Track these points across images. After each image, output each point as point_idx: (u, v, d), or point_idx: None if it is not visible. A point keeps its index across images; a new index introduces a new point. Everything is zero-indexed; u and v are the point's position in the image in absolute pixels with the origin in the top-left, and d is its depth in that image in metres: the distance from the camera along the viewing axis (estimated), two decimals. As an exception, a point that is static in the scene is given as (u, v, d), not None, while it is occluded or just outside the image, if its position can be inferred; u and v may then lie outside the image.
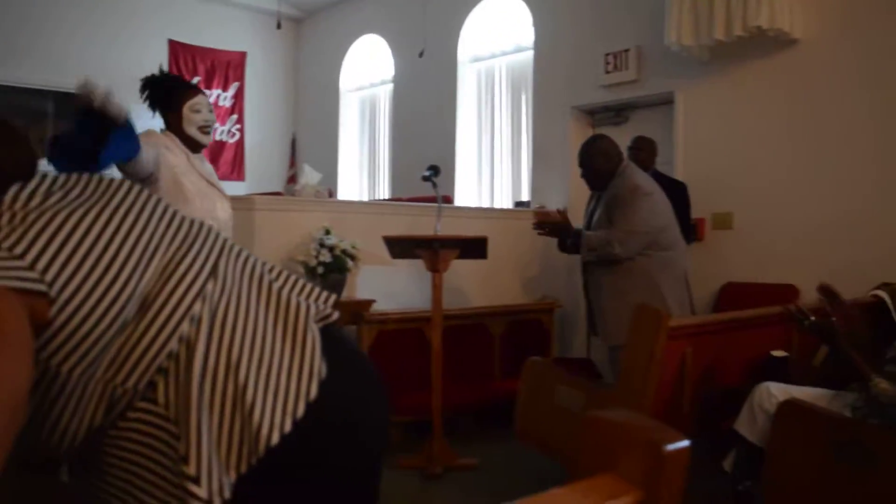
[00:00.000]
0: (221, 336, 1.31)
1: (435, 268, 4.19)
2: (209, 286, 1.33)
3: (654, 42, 5.81)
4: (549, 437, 3.43)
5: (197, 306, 1.30)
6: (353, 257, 4.96)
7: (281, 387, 1.33)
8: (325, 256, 4.83)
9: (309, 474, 1.38)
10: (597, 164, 4.24)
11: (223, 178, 9.16)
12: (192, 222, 1.43)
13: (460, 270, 5.11)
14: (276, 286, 1.46)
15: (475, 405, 5.07)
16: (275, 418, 1.30)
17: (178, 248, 1.34)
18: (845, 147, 4.96)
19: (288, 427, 1.31)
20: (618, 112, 6.41)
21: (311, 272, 4.87)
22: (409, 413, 4.64)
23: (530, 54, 7.10)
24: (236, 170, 9.45)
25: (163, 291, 1.29)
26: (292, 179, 8.97)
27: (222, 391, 1.29)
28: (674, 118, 5.90)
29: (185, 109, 3.30)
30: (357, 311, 4.98)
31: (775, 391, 2.99)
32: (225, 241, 1.46)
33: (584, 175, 4.35)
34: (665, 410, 3.09)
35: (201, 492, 1.22)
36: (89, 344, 1.21)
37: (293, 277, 1.53)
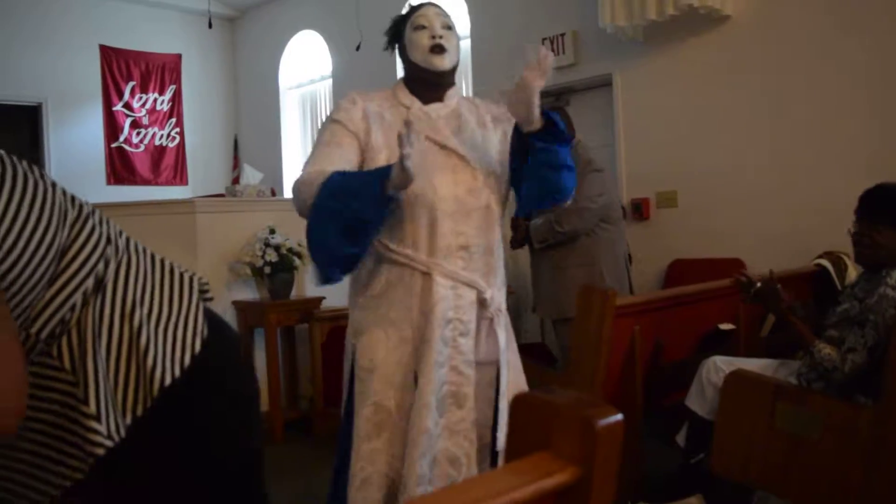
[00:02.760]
0: (115, 288, 1.43)
1: (381, 260, 4.15)
2: (109, 249, 1.44)
3: (589, 25, 5.84)
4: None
5: (100, 266, 1.41)
6: (299, 255, 4.91)
7: (169, 336, 1.45)
8: (272, 256, 4.77)
9: (193, 431, 1.48)
10: None
11: (165, 183, 9.03)
12: (73, 196, 1.48)
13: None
14: (158, 257, 1.58)
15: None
16: (166, 362, 1.42)
17: (79, 213, 1.43)
18: (781, 119, 5.03)
19: (178, 371, 1.42)
20: (558, 96, 6.42)
21: (258, 273, 4.82)
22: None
23: (468, 43, 7.09)
24: (179, 174, 9.29)
25: (72, 248, 1.38)
26: (237, 180, 8.86)
27: (119, 336, 1.40)
28: (613, 100, 5.94)
29: (407, 33, 2.33)
30: (307, 309, 4.94)
31: (722, 364, 3.03)
32: (105, 217, 1.54)
33: None
34: (617, 389, 3.11)
35: (101, 427, 1.32)
36: (23, 293, 1.29)
37: (172, 261, 1.64)
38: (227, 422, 1.55)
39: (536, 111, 2.02)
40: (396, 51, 2.42)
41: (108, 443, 1.34)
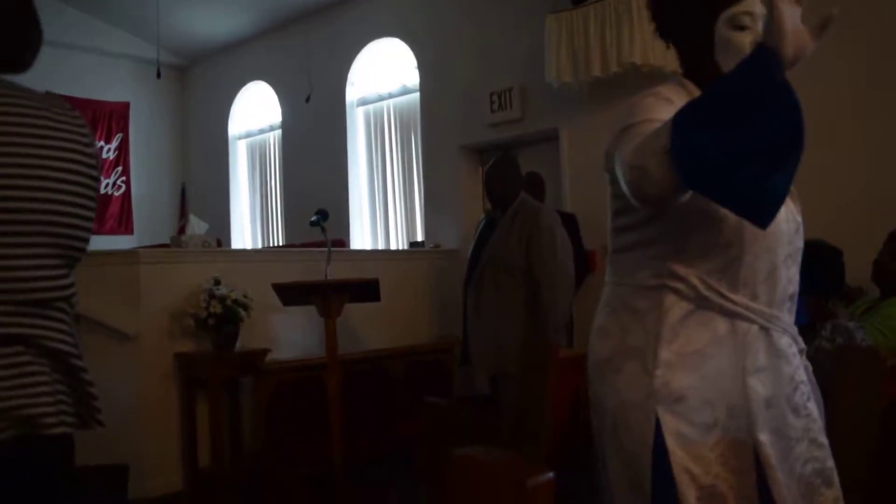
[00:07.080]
0: None
1: (327, 313, 4.12)
2: None
3: (536, 80, 5.95)
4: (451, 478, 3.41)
5: None
6: (245, 307, 4.85)
7: None
8: (216, 307, 4.70)
9: None
10: (491, 187, 4.38)
11: (110, 232, 8.90)
12: None
13: (358, 314, 5.06)
14: None
15: (379, 450, 5.01)
16: None
17: None
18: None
19: None
20: (506, 149, 6.51)
21: (202, 324, 4.74)
22: (312, 463, 4.54)
23: (417, 96, 7.17)
24: (124, 223, 9.19)
25: None
26: (183, 230, 8.76)
27: None
28: (559, 153, 6.04)
29: (721, 26, 1.73)
30: (252, 361, 4.87)
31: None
32: None
33: (486, 192, 4.54)
34: (562, 443, 3.11)
35: None
36: None
37: None
38: None
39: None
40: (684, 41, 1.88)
41: None
